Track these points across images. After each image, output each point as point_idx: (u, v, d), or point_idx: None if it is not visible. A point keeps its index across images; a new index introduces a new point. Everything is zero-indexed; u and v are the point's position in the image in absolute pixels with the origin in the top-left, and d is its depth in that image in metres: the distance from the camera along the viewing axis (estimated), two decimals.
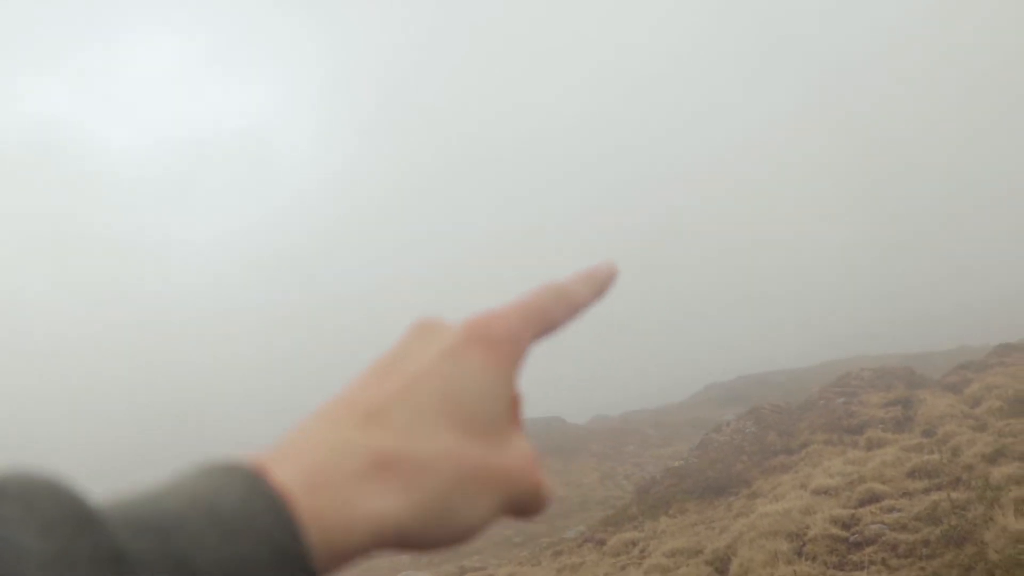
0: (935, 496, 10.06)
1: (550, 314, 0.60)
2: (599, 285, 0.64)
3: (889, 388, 17.90)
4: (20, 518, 0.46)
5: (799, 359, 49.70)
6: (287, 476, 0.47)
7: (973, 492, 9.52)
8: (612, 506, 23.37)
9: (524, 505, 0.57)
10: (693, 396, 47.66)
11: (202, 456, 0.47)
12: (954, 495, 9.74)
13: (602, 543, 15.21)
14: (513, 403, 0.58)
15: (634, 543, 14.12)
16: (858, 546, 9.60)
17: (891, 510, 10.30)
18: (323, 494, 0.47)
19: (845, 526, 10.22)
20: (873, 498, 10.96)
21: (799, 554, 9.66)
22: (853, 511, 10.64)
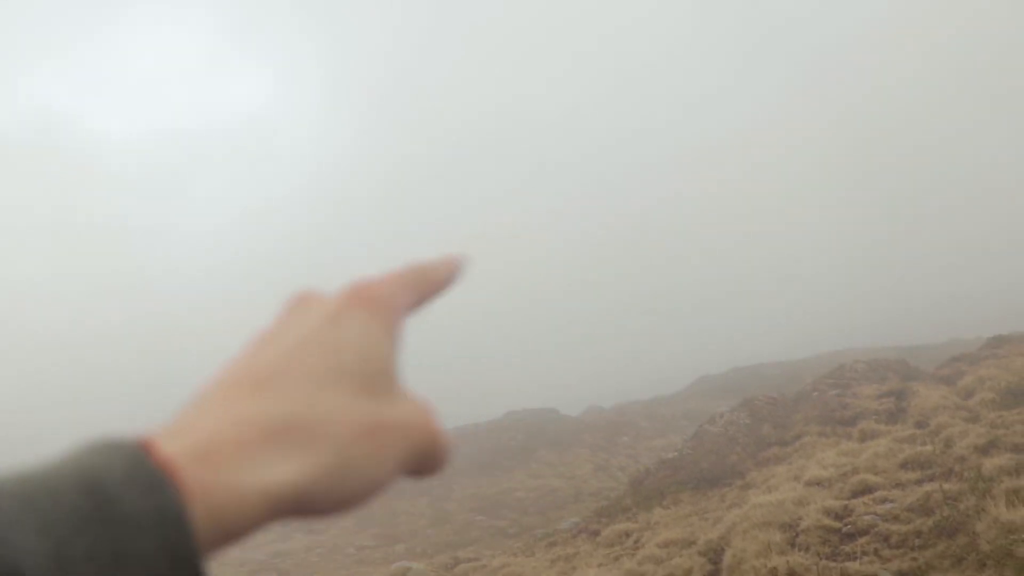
0: (927, 487, 10.10)
1: (420, 287, 0.61)
2: (452, 271, 0.65)
3: (883, 380, 17.96)
4: None
5: (792, 351, 49.86)
6: (175, 450, 0.46)
7: (965, 483, 9.56)
8: (606, 497, 23.43)
9: (424, 457, 0.56)
10: (686, 388, 47.76)
11: (93, 432, 0.46)
12: (946, 486, 9.78)
13: (596, 534, 15.25)
14: (394, 362, 0.57)
15: (628, 534, 14.16)
16: (851, 537, 9.64)
17: (884, 501, 10.35)
18: (212, 467, 0.46)
19: (838, 517, 10.25)
20: (866, 489, 11.01)
21: (792, 545, 9.69)
22: (846, 502, 10.68)
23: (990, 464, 9.89)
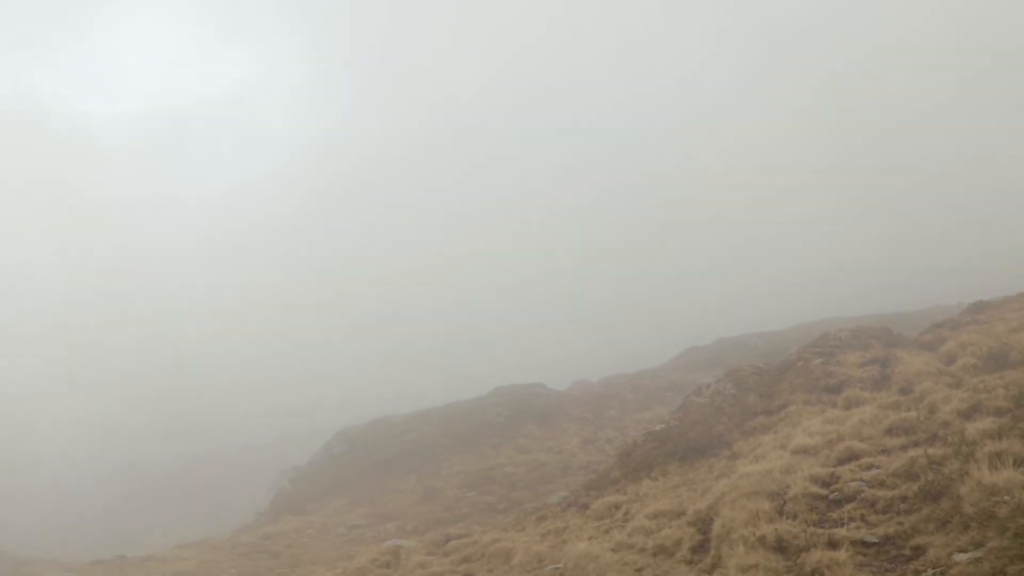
0: (912, 453, 10.20)
1: None
2: None
3: (866, 348, 18.06)
4: None
5: (776, 322, 50.04)
6: None
7: (949, 448, 9.65)
8: (594, 471, 23.56)
9: None
10: (672, 360, 47.95)
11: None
12: (931, 451, 9.88)
13: (585, 507, 15.33)
14: None
15: (617, 506, 14.25)
16: (838, 503, 9.73)
17: (869, 467, 10.44)
18: None
19: (825, 484, 10.35)
20: (852, 456, 11.10)
21: (780, 513, 9.77)
22: (832, 469, 10.78)
23: (973, 428, 9.99)
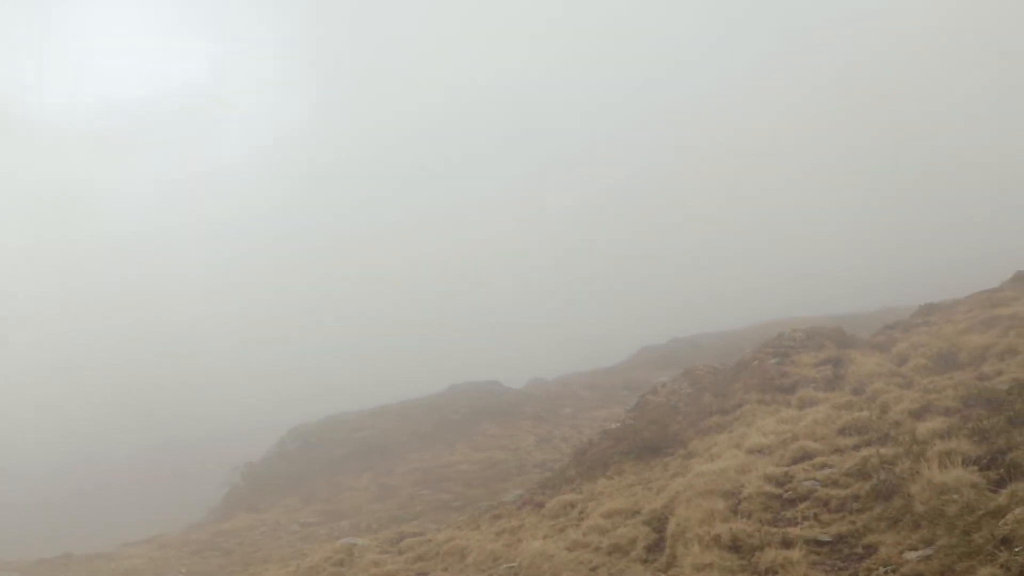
0: (865, 452, 10.31)
1: None
2: None
3: (820, 348, 18.27)
4: None
5: (731, 322, 50.53)
6: None
7: (900, 447, 9.77)
8: (550, 469, 23.55)
9: None
10: (628, 359, 48.16)
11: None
12: (883, 451, 9.99)
13: (541, 506, 15.27)
14: None
15: (572, 505, 14.20)
16: (792, 503, 9.79)
17: (823, 467, 10.53)
18: None
19: (779, 483, 10.41)
20: (805, 456, 11.19)
21: (735, 512, 9.80)
22: (786, 469, 10.85)
23: (924, 428, 10.13)
